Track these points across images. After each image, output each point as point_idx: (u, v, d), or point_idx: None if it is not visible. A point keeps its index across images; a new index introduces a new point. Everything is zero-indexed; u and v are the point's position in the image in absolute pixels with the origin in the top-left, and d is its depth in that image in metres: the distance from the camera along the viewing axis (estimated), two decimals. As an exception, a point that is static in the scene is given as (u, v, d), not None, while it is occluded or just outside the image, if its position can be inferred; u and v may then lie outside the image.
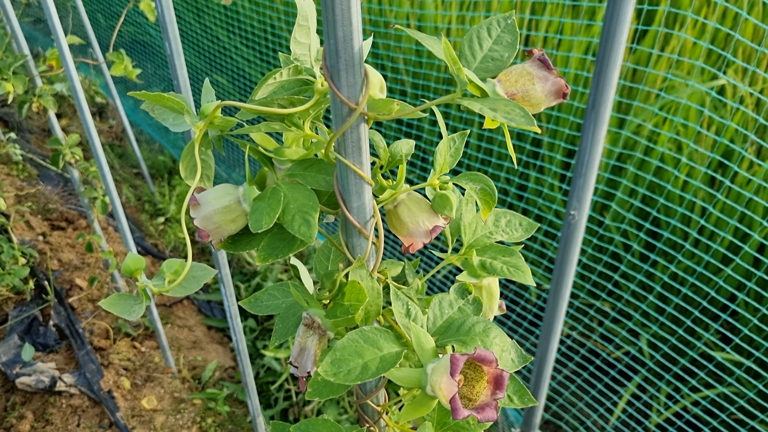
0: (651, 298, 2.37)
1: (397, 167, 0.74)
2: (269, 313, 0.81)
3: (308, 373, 0.70)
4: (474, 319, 0.67)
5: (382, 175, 0.75)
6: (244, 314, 2.99)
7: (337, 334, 0.70)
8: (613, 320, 2.69)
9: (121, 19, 2.53)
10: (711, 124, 2.51)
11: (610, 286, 2.46)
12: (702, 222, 2.11)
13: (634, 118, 2.59)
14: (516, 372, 2.71)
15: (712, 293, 2.11)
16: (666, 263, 2.39)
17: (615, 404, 2.52)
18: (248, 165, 0.72)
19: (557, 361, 2.70)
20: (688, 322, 2.19)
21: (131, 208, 3.94)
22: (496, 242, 0.80)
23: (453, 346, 0.66)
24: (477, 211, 0.82)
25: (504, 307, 0.86)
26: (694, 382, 2.28)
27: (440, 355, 0.65)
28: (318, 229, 0.67)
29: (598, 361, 2.50)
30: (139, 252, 3.37)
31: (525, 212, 2.88)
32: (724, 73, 2.64)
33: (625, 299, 2.58)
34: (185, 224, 0.68)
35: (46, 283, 2.90)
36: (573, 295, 2.75)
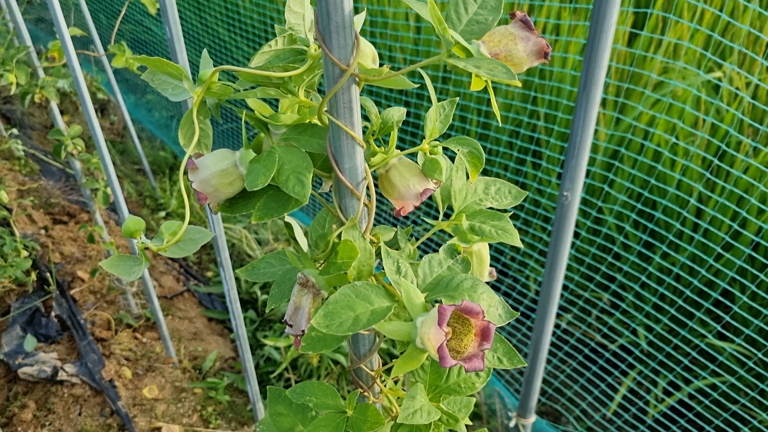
0: (651, 292, 2.39)
1: (389, 134, 0.76)
2: (266, 280, 0.83)
3: (302, 331, 0.72)
4: (462, 276, 0.69)
5: (375, 142, 0.77)
6: (244, 305, 3.02)
7: (330, 293, 0.73)
8: (610, 313, 2.71)
9: (122, 12, 2.56)
10: (708, 109, 2.53)
11: (606, 281, 2.48)
12: (701, 206, 2.13)
13: (634, 103, 2.61)
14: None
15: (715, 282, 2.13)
16: (666, 249, 2.41)
17: (613, 388, 2.55)
18: (245, 130, 0.74)
19: (553, 344, 2.72)
20: (692, 314, 2.21)
21: (133, 204, 3.97)
22: (486, 209, 0.82)
23: (442, 300, 0.68)
24: (467, 179, 0.84)
25: (495, 273, 0.88)
26: (692, 366, 2.30)
27: (429, 310, 0.67)
28: (312, 192, 0.69)
29: (593, 346, 2.52)
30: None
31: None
32: (721, 66, 2.66)
33: (621, 284, 2.60)
34: (184, 187, 0.70)
35: (48, 275, 2.93)
36: (568, 278, 2.77)
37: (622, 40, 2.75)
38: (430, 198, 0.80)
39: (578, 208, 2.69)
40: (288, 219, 0.72)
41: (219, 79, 0.73)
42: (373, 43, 3.45)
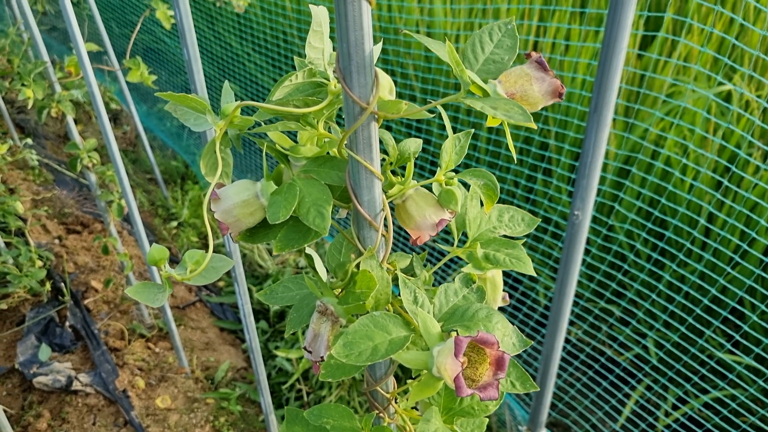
0: (659, 300, 2.40)
1: (406, 164, 0.78)
2: (284, 304, 0.85)
3: (321, 357, 0.74)
4: (477, 305, 0.71)
5: (392, 172, 0.79)
6: (256, 316, 3.04)
7: (348, 320, 0.75)
8: (620, 320, 2.72)
9: (137, 27, 2.60)
10: (717, 129, 2.54)
11: (612, 287, 2.49)
12: (707, 224, 2.14)
13: (641, 122, 2.63)
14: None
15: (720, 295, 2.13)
16: (677, 269, 2.42)
17: (623, 404, 2.55)
18: (266, 162, 0.77)
19: (564, 359, 2.73)
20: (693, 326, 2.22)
21: (145, 213, 4.01)
22: (500, 236, 0.84)
23: (457, 330, 0.70)
24: (481, 206, 0.86)
25: (507, 299, 0.90)
26: (702, 383, 2.31)
27: (446, 340, 0.69)
28: (331, 222, 0.71)
29: (603, 359, 2.53)
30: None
31: (532, 213, 2.92)
32: (731, 79, 2.67)
33: (631, 300, 2.61)
34: (207, 218, 0.72)
35: (62, 285, 2.96)
36: (579, 295, 2.78)
37: (633, 60, 2.77)
38: (447, 227, 0.82)
39: (590, 226, 2.71)
40: (309, 251, 0.74)
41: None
42: (384, 50, 3.49)
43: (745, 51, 2.64)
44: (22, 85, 2.20)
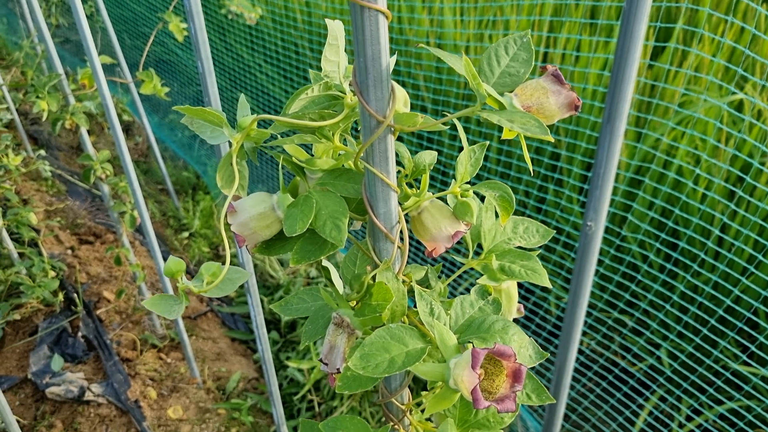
0: (672, 310, 2.38)
1: (421, 176, 0.78)
2: (299, 316, 0.86)
3: (337, 369, 0.74)
4: (494, 317, 0.71)
5: (407, 184, 0.79)
6: (267, 326, 3.04)
7: (364, 332, 0.75)
8: (633, 331, 2.70)
9: (150, 41, 2.62)
10: (729, 138, 2.53)
11: (627, 297, 2.48)
12: (719, 233, 2.13)
13: (652, 132, 2.62)
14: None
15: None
16: (690, 279, 2.41)
17: (636, 415, 2.53)
18: (281, 175, 0.77)
19: (577, 370, 2.71)
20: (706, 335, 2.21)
21: (156, 224, 4.03)
22: (515, 248, 0.84)
23: (474, 343, 0.70)
24: (496, 218, 0.86)
25: (522, 310, 0.90)
26: (717, 394, 2.29)
27: (462, 351, 0.69)
28: (347, 235, 0.72)
29: (617, 370, 2.52)
30: (164, 266, 3.45)
31: (544, 224, 2.91)
32: (742, 89, 2.66)
33: (645, 311, 2.60)
34: (222, 229, 0.73)
35: (75, 295, 2.98)
36: (592, 305, 2.77)
37: (645, 72, 2.77)
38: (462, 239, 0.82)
39: (603, 236, 2.70)
40: (325, 263, 0.74)
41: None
42: (396, 63, 3.50)
43: (756, 60, 2.63)
44: (37, 97, 2.22)
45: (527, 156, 0.65)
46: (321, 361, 0.76)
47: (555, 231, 0.87)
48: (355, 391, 0.70)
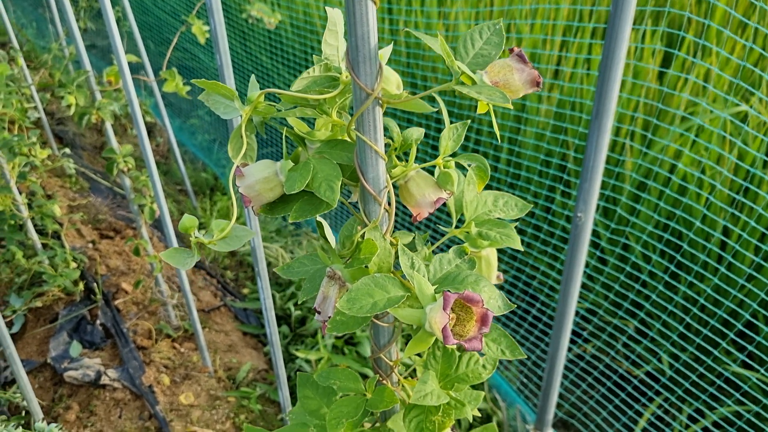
0: (673, 315, 2.45)
1: (409, 150, 0.88)
2: (299, 277, 0.95)
3: (329, 317, 0.84)
4: (468, 272, 0.80)
5: (396, 157, 0.89)
6: (278, 322, 3.14)
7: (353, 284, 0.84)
8: (633, 338, 2.77)
9: (174, 40, 2.74)
10: (732, 148, 2.60)
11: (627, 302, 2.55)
12: (725, 239, 2.20)
13: (660, 139, 2.70)
14: (527, 379, 2.79)
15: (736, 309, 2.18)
16: (692, 280, 2.47)
17: (640, 415, 2.60)
18: (285, 145, 0.87)
19: (576, 375, 2.78)
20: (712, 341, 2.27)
21: (174, 221, 4.14)
22: (495, 219, 0.93)
23: (448, 291, 0.79)
24: (478, 193, 0.95)
25: (502, 277, 0.98)
26: (719, 395, 2.35)
27: (437, 300, 0.78)
28: (341, 199, 0.81)
29: (615, 377, 2.58)
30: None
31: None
32: (748, 102, 2.73)
33: (648, 313, 2.66)
34: (232, 191, 0.83)
35: (94, 285, 3.09)
36: (592, 312, 2.84)
37: (652, 76, 2.84)
38: (447, 210, 0.91)
39: (607, 237, 2.77)
40: (319, 219, 0.84)
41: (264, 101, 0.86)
42: (412, 74, 3.61)
43: (763, 76, 2.70)
44: (67, 93, 2.35)
45: (497, 127, 0.74)
46: (315, 310, 0.85)
47: (531, 206, 0.96)
48: (342, 332, 0.79)
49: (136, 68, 4.60)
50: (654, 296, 2.56)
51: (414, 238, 0.94)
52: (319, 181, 0.79)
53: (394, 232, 0.90)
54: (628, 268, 2.59)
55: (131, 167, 2.55)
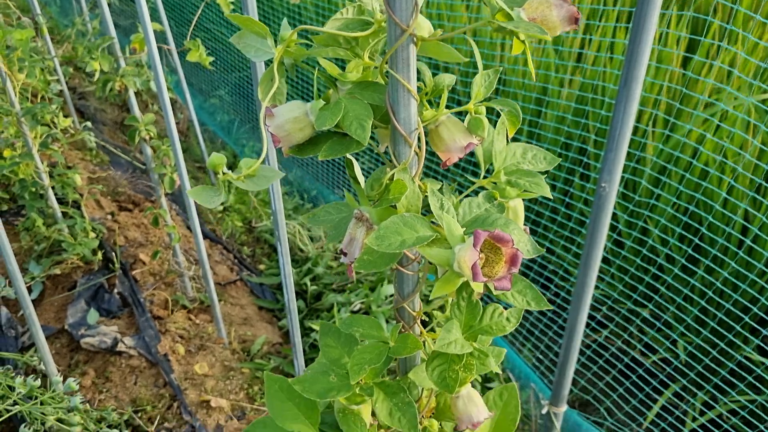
0: (692, 308, 2.43)
1: (440, 96, 0.87)
2: (325, 224, 0.95)
3: (356, 258, 0.83)
4: (497, 215, 0.80)
5: (428, 102, 0.88)
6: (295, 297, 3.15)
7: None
8: (650, 325, 2.75)
9: (198, 13, 2.75)
10: (756, 133, 2.57)
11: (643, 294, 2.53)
12: (748, 225, 2.17)
13: (683, 123, 2.67)
14: (544, 356, 2.78)
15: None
16: (713, 266, 2.45)
17: (654, 401, 2.58)
18: (316, 87, 0.87)
19: (591, 360, 2.77)
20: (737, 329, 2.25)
21: (192, 198, 4.17)
22: (523, 169, 0.93)
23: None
24: (507, 144, 0.94)
25: (528, 231, 0.98)
26: (739, 386, 2.33)
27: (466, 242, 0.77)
28: (370, 141, 0.81)
29: (627, 360, 2.56)
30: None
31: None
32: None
33: (664, 296, 2.65)
34: (263, 130, 0.82)
35: (112, 255, 3.12)
36: (606, 295, 2.82)
37: (676, 61, 2.81)
38: (476, 162, 0.90)
39: (625, 220, 2.75)
40: (349, 156, 0.83)
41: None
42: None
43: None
44: (91, 58, 2.36)
45: (531, 64, 0.73)
46: (341, 251, 0.85)
47: (560, 159, 0.95)
48: (369, 270, 0.79)
49: (159, 40, 4.61)
50: (670, 279, 2.54)
51: (442, 186, 0.93)
52: (350, 120, 0.79)
53: (422, 179, 0.90)
54: (645, 251, 2.57)
55: (153, 136, 2.56)
